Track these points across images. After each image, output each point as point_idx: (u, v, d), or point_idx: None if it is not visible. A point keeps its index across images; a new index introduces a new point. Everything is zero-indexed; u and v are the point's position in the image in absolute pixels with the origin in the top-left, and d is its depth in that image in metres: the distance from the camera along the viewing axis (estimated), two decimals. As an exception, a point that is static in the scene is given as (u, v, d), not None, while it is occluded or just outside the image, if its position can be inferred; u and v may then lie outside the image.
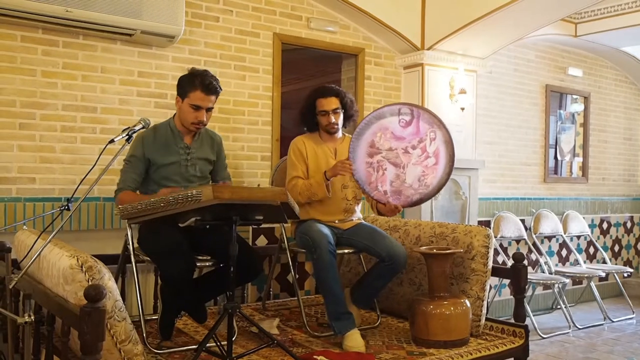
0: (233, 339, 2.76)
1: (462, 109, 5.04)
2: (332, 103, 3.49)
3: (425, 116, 3.37)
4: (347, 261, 4.12)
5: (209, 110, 3.12)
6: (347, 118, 3.59)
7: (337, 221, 3.52)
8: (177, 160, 3.15)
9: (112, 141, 2.63)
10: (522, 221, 5.91)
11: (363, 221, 3.65)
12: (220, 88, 3.14)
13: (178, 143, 3.17)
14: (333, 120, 3.49)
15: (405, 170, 3.35)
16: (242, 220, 2.75)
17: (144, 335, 2.94)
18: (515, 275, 3.45)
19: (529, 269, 5.63)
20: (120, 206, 2.85)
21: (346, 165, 3.32)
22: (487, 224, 5.60)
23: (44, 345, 2.36)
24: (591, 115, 6.78)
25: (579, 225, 6.43)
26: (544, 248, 6.15)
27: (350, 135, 3.62)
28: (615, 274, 6.36)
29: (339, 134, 3.63)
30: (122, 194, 3.07)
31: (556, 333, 5.31)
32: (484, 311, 3.38)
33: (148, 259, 3.02)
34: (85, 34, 3.58)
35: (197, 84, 3.03)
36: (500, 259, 5.59)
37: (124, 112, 3.75)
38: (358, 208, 3.66)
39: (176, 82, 3.14)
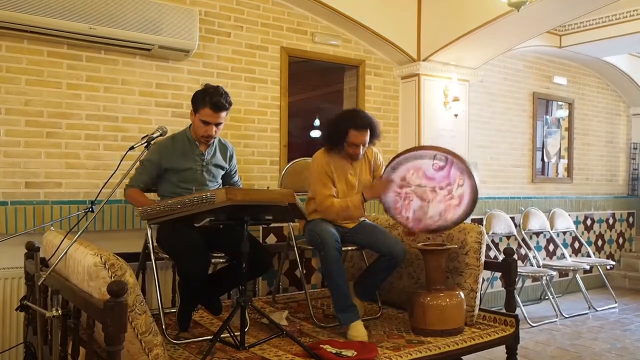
0: (245, 329, 2.74)
1: (456, 115, 5.02)
2: (365, 136, 3.30)
3: (458, 164, 3.19)
4: (350, 257, 4.10)
5: (218, 125, 3.09)
6: (369, 143, 3.42)
7: (343, 223, 3.49)
8: (192, 167, 3.15)
9: (132, 148, 2.64)
10: (512, 219, 5.87)
11: (365, 219, 3.62)
12: (230, 104, 3.08)
13: (194, 151, 3.16)
14: (361, 152, 3.36)
15: (429, 204, 3.23)
16: (253, 220, 2.75)
17: (163, 327, 2.93)
18: (506, 268, 3.43)
19: (519, 262, 5.61)
20: (140, 208, 2.84)
21: (388, 186, 3.25)
22: (479, 221, 5.57)
23: (70, 337, 2.35)
24: (575, 120, 6.75)
25: (565, 221, 6.40)
26: (532, 243, 6.12)
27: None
28: (598, 267, 6.32)
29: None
30: (131, 190, 3.11)
31: (544, 322, 5.28)
32: (478, 302, 3.36)
33: (167, 256, 3.02)
34: (107, 49, 3.58)
35: (207, 102, 3.00)
36: (492, 253, 5.56)
37: (143, 121, 3.74)
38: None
39: (191, 93, 3.13)
